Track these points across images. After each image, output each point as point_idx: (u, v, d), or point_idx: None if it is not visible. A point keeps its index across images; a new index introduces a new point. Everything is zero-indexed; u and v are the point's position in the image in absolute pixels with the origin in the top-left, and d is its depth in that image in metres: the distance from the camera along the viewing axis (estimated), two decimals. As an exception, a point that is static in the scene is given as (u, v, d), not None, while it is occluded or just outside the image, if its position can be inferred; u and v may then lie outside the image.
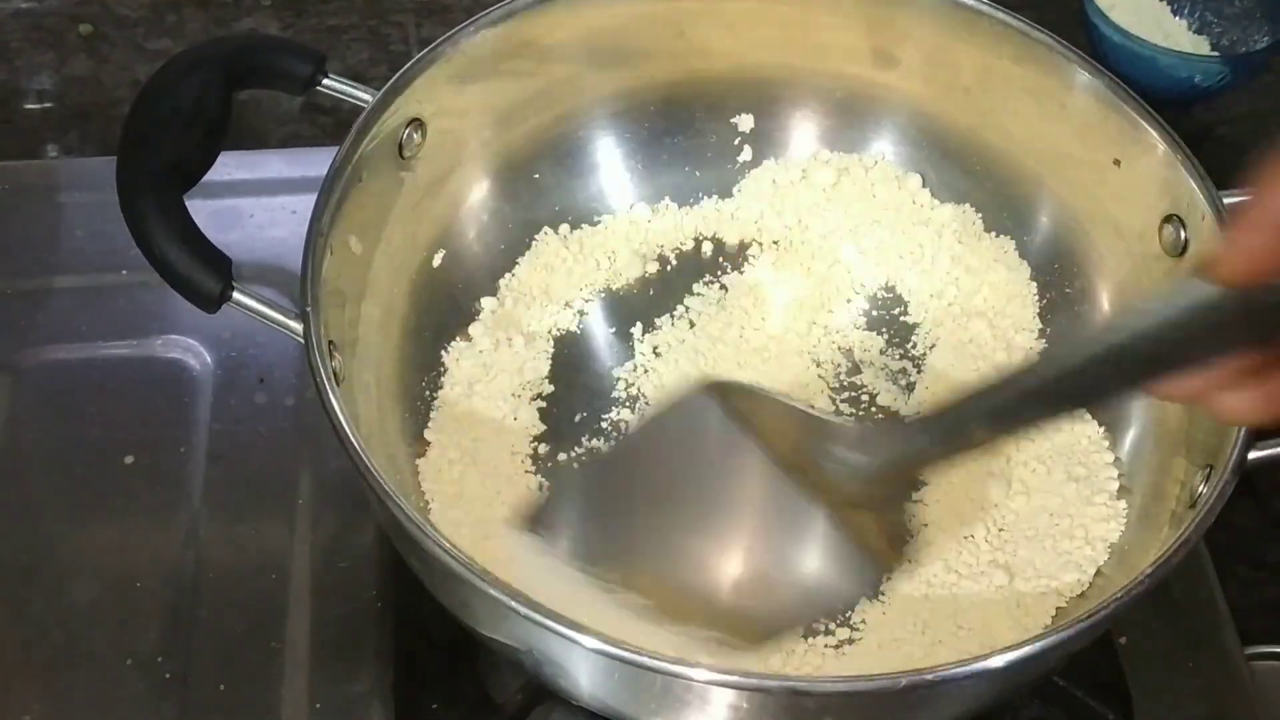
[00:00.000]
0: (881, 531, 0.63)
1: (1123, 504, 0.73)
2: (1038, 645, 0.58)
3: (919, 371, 0.80)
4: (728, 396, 0.64)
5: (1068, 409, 0.59)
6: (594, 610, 0.60)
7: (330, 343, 0.66)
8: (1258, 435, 0.63)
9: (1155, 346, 0.49)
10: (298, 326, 0.65)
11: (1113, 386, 0.53)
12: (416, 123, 0.74)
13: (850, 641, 0.70)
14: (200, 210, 0.85)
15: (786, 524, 0.62)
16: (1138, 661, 0.74)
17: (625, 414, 0.78)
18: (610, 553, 0.63)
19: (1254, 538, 0.82)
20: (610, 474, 0.70)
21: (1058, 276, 0.80)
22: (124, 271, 0.84)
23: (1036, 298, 0.81)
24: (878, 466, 0.60)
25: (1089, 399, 0.60)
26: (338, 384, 0.65)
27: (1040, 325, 0.80)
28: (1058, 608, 0.70)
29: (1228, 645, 0.75)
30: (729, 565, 0.64)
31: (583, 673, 0.60)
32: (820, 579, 0.62)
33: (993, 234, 0.82)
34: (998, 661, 0.57)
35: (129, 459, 0.79)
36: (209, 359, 0.83)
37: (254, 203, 0.89)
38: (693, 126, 0.85)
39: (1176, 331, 0.48)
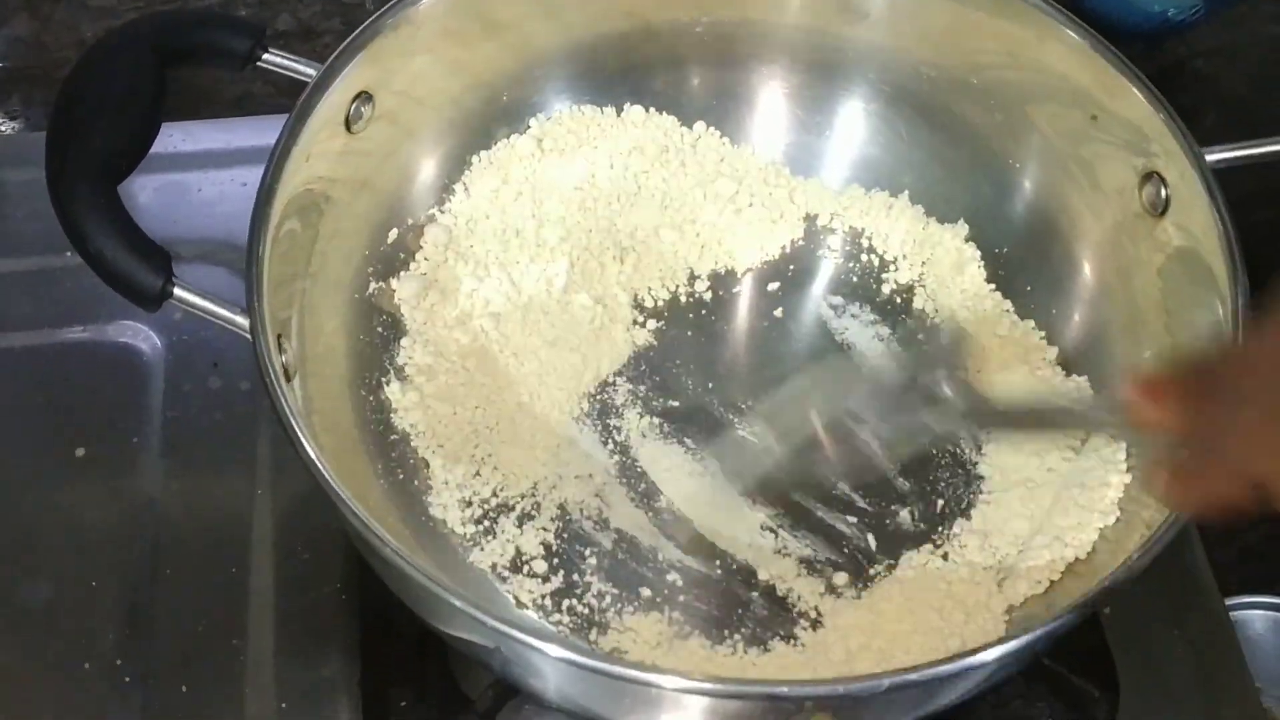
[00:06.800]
0: None
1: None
2: (1024, 639, 0.56)
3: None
4: None
5: None
6: None
7: (279, 336, 0.63)
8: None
9: None
10: (244, 321, 0.63)
11: None
12: (364, 95, 0.71)
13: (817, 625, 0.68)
14: (144, 187, 0.84)
15: None
16: (1121, 627, 0.72)
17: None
18: None
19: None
20: None
21: (1037, 239, 0.78)
22: (68, 254, 0.78)
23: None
24: None
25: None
26: (288, 379, 0.63)
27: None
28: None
29: (1211, 602, 0.74)
30: None
31: (550, 677, 0.59)
32: None
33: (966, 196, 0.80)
34: (986, 657, 0.56)
35: (80, 451, 0.77)
36: (159, 343, 0.80)
37: (200, 176, 0.85)
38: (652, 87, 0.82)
39: None
